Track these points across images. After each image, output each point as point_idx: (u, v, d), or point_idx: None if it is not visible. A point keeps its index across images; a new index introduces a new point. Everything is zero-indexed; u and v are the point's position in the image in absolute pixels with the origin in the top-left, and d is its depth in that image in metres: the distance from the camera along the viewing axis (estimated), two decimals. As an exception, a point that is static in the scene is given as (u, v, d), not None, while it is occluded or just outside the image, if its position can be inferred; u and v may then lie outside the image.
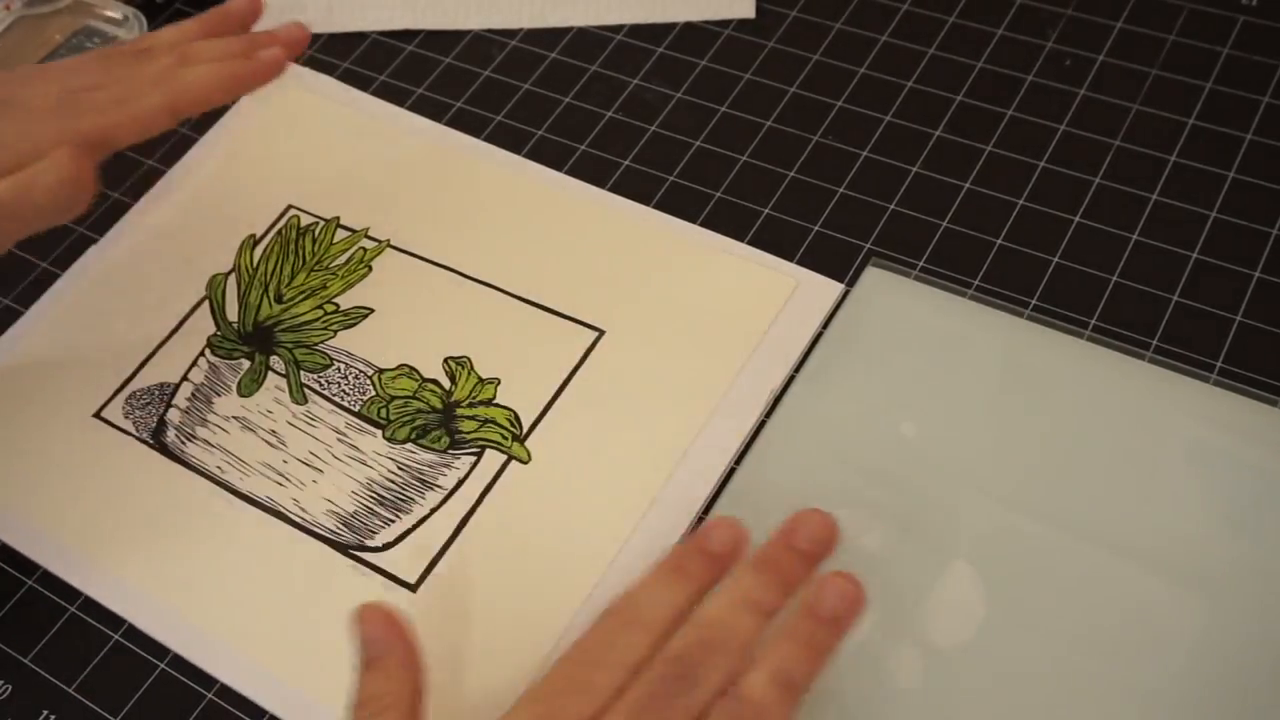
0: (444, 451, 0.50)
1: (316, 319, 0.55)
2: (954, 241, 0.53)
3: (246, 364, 0.54)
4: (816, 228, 0.54)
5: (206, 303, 0.56)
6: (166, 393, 0.53)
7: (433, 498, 0.49)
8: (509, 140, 0.60)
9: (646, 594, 0.39)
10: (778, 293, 0.52)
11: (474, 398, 0.51)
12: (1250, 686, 0.41)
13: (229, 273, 0.57)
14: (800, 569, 0.40)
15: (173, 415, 0.53)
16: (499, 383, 0.51)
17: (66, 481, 0.51)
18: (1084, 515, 0.44)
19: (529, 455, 0.49)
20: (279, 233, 0.58)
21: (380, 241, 0.57)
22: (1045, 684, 0.41)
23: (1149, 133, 0.55)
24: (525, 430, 0.50)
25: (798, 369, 0.50)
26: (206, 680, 0.46)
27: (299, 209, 0.59)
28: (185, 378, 0.54)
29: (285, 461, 0.51)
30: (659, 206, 0.56)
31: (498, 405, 0.51)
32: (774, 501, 0.46)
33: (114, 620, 0.47)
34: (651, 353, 0.51)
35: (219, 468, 0.51)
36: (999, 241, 0.53)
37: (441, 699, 0.40)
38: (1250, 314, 0.49)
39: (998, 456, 0.46)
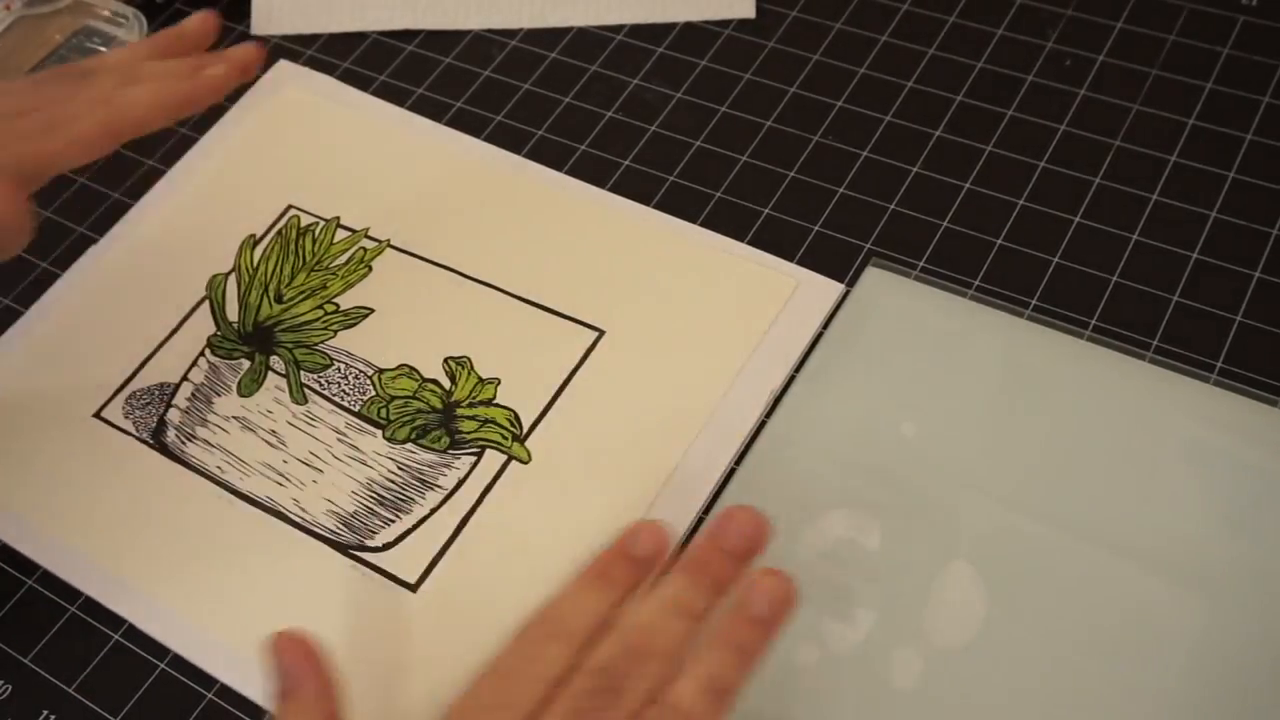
0: (444, 451, 0.50)
1: (316, 319, 0.55)
2: (954, 241, 0.53)
3: (246, 364, 0.54)
4: (817, 228, 0.54)
5: (206, 303, 0.56)
6: (166, 393, 0.53)
7: (433, 498, 0.49)
8: (509, 140, 0.60)
9: (569, 603, 0.38)
10: (778, 293, 0.52)
11: (474, 398, 0.51)
12: (1250, 686, 0.41)
13: (229, 273, 0.57)
14: (730, 569, 0.39)
15: (173, 415, 0.53)
16: (499, 383, 0.51)
17: (66, 481, 0.51)
18: (1084, 515, 0.45)
19: (529, 455, 0.49)
20: (279, 233, 0.58)
21: (380, 241, 0.57)
22: (1045, 684, 0.41)
23: (1149, 133, 0.55)
24: (525, 430, 0.50)
25: (798, 369, 0.50)
26: (206, 680, 0.46)
27: (299, 209, 0.59)
28: (185, 378, 0.54)
29: (285, 461, 0.51)
30: (659, 206, 0.56)
31: (498, 405, 0.51)
32: (774, 502, 0.47)
33: (114, 620, 0.47)
34: (651, 353, 0.51)
35: (219, 468, 0.51)
36: (999, 241, 0.53)
37: (442, 700, 0.40)
38: (1250, 314, 0.49)
39: (998, 456, 0.46)
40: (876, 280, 0.52)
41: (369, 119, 0.62)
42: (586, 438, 0.49)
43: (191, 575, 0.48)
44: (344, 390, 0.52)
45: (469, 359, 0.52)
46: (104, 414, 0.53)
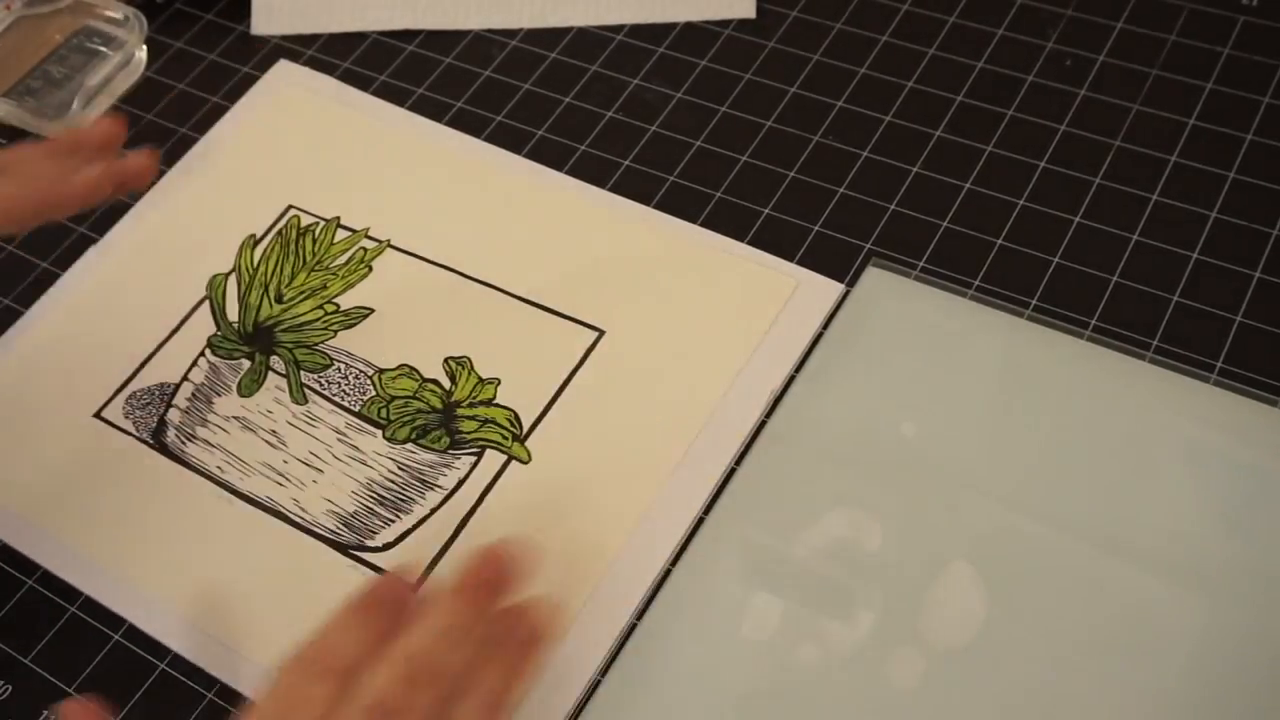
0: (444, 451, 0.50)
1: (317, 319, 0.55)
2: (954, 242, 0.53)
3: (246, 364, 0.54)
4: (817, 228, 0.54)
5: (206, 303, 0.56)
6: (167, 393, 0.53)
7: (433, 498, 0.49)
8: (509, 140, 0.60)
9: (336, 636, 0.37)
10: (778, 293, 0.52)
11: (474, 398, 0.51)
12: (1249, 685, 0.41)
13: (229, 273, 0.57)
14: (492, 598, 0.39)
15: (173, 415, 0.53)
16: (499, 383, 0.51)
17: (66, 481, 0.51)
18: (1084, 515, 0.45)
19: (529, 455, 0.49)
20: (279, 233, 0.58)
21: (380, 241, 0.57)
22: (1045, 683, 0.41)
23: (1149, 133, 0.55)
24: (525, 430, 0.50)
25: (798, 369, 0.50)
26: (206, 680, 0.46)
27: (299, 209, 0.59)
28: (185, 378, 0.54)
29: (285, 461, 0.51)
30: (659, 206, 0.56)
31: (498, 405, 0.51)
32: (774, 502, 0.47)
33: (114, 620, 0.47)
34: (651, 353, 0.51)
35: (219, 468, 0.51)
36: (999, 242, 0.53)
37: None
38: (1250, 314, 0.49)
39: (998, 456, 0.46)
40: (876, 280, 0.52)
41: (369, 119, 0.62)
42: (586, 438, 0.49)
43: (192, 575, 0.48)
44: (344, 390, 0.52)
45: (469, 359, 0.52)
46: (104, 414, 0.53)
